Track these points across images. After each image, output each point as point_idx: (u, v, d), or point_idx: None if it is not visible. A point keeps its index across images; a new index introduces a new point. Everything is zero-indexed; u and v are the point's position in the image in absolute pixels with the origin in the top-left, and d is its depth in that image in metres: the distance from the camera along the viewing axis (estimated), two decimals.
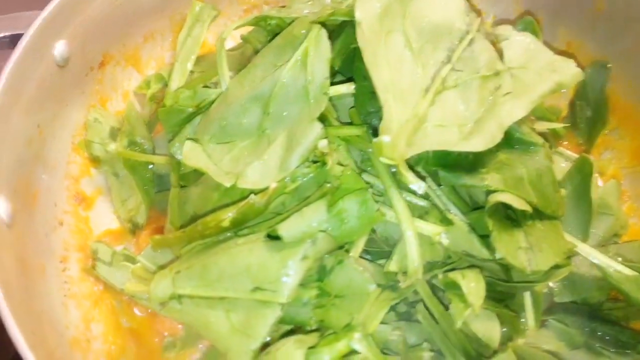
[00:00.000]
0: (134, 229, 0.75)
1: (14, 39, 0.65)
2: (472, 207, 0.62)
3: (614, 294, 0.69)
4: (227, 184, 0.59)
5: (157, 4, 0.81)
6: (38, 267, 0.63)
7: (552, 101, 0.83)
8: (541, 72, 0.61)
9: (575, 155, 0.74)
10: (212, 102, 0.68)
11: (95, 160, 0.76)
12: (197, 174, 0.69)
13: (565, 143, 0.82)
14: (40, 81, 0.65)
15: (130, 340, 0.69)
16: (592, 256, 0.65)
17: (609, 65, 0.79)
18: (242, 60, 0.77)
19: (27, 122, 0.64)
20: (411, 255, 0.56)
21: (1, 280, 0.50)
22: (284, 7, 0.78)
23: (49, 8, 0.64)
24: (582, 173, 0.69)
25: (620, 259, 0.69)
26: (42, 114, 0.67)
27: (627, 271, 0.65)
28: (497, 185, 0.56)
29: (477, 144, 0.55)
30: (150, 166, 0.76)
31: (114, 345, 0.67)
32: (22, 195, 0.63)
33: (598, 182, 0.80)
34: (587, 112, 0.82)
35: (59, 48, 0.67)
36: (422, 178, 0.60)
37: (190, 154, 0.63)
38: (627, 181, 0.79)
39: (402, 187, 0.58)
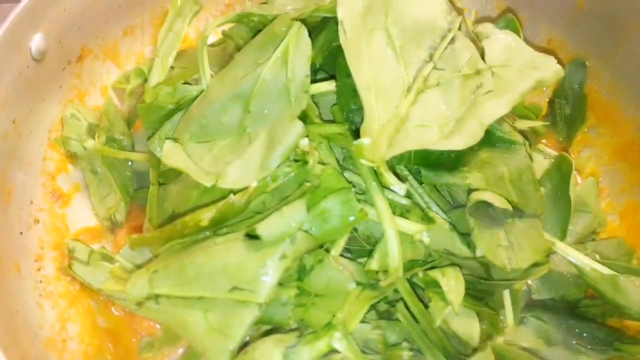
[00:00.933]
0: (113, 226, 0.74)
1: None
2: (453, 206, 0.62)
3: (591, 292, 0.69)
4: (208, 184, 0.59)
5: None
6: (12, 266, 0.62)
7: (532, 99, 0.83)
8: (522, 70, 0.62)
9: (556, 153, 0.75)
10: (193, 99, 0.67)
11: (72, 157, 0.75)
12: (177, 172, 0.68)
13: (544, 141, 0.83)
14: (16, 75, 0.64)
15: (108, 340, 0.68)
16: (569, 255, 0.65)
17: (586, 63, 0.80)
18: (224, 56, 0.77)
19: (1, 117, 0.63)
20: (392, 254, 0.56)
21: None
22: (265, 3, 0.77)
23: (26, 0, 0.62)
24: (561, 171, 0.69)
25: (597, 256, 0.70)
26: (18, 109, 0.66)
27: (604, 270, 0.65)
28: (479, 183, 0.56)
29: (458, 143, 0.55)
30: (130, 163, 0.75)
31: (91, 345, 0.66)
32: None
33: (577, 180, 0.81)
34: (566, 110, 0.82)
35: (36, 41, 0.65)
36: (404, 176, 0.60)
37: (170, 154, 0.62)
38: (606, 179, 0.80)
39: (384, 185, 0.58)
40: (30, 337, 0.59)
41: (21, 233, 0.66)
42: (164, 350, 0.68)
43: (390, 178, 0.55)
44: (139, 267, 0.66)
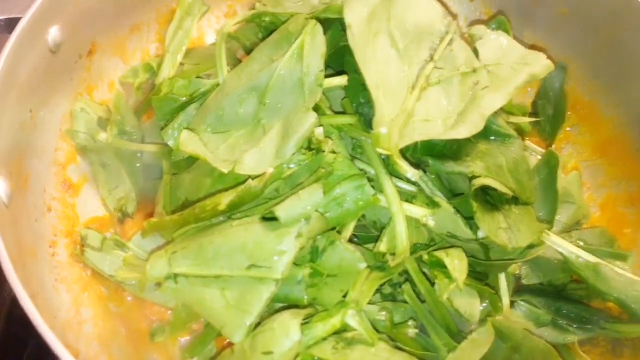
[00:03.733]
0: (123, 217, 0.76)
1: (10, 23, 0.66)
2: (453, 194, 0.66)
3: (577, 276, 0.74)
4: (225, 170, 0.62)
5: None
6: (31, 250, 0.63)
7: (518, 99, 0.89)
8: (515, 67, 0.67)
9: (542, 150, 0.80)
10: (206, 92, 0.70)
11: (81, 150, 0.76)
12: (188, 162, 0.71)
13: (528, 140, 0.88)
14: (34, 66, 0.66)
15: (120, 324, 0.69)
16: (556, 243, 0.70)
17: (567, 66, 0.86)
18: (229, 54, 0.80)
19: (21, 106, 0.64)
20: (400, 235, 0.60)
21: (11, 256, 0.51)
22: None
23: None
24: (549, 165, 0.74)
25: (581, 243, 0.75)
26: (34, 99, 0.67)
27: (588, 256, 0.70)
28: (481, 171, 0.61)
29: (462, 132, 0.60)
30: (139, 155, 0.77)
31: (104, 329, 0.68)
32: (16, 178, 0.63)
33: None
34: (549, 110, 0.88)
35: (53, 33, 0.67)
36: (413, 166, 0.64)
37: (187, 142, 0.65)
38: (587, 174, 0.85)
39: (392, 172, 0.62)
40: (50, 318, 0.61)
41: (36, 220, 0.67)
42: (174, 335, 0.70)
43: (404, 165, 0.59)
44: (151, 252, 0.68)
